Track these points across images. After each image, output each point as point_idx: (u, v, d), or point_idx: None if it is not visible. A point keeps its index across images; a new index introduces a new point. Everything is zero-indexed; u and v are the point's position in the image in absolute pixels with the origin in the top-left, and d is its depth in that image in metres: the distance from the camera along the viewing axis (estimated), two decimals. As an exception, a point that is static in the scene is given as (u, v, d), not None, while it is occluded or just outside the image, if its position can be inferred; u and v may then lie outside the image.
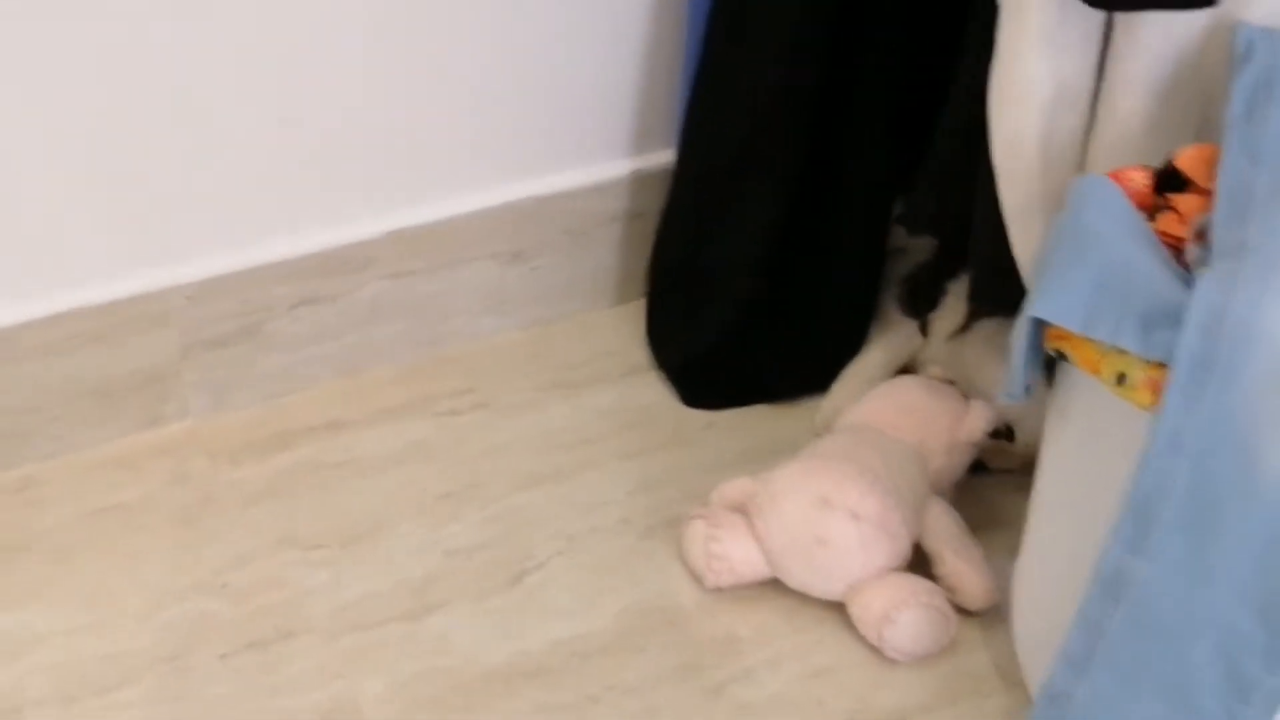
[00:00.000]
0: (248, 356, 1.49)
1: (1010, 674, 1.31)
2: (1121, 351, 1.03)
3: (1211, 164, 1.11)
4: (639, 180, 1.61)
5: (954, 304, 1.58)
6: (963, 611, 1.34)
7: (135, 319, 1.42)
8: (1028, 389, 1.12)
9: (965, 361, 1.54)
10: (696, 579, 1.37)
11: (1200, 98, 1.19)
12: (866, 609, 1.31)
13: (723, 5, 1.44)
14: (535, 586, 1.37)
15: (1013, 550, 1.40)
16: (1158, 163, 1.16)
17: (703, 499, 1.44)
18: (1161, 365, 1.01)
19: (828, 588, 1.33)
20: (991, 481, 1.48)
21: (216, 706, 1.26)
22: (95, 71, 1.30)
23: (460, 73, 1.48)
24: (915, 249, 1.62)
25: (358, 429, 1.51)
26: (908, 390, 1.44)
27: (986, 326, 1.54)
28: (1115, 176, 1.12)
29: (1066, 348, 1.07)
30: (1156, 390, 1.01)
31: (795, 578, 1.34)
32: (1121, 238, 1.05)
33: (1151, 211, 1.12)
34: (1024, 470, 1.48)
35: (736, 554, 1.34)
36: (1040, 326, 1.08)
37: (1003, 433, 1.45)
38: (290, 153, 1.43)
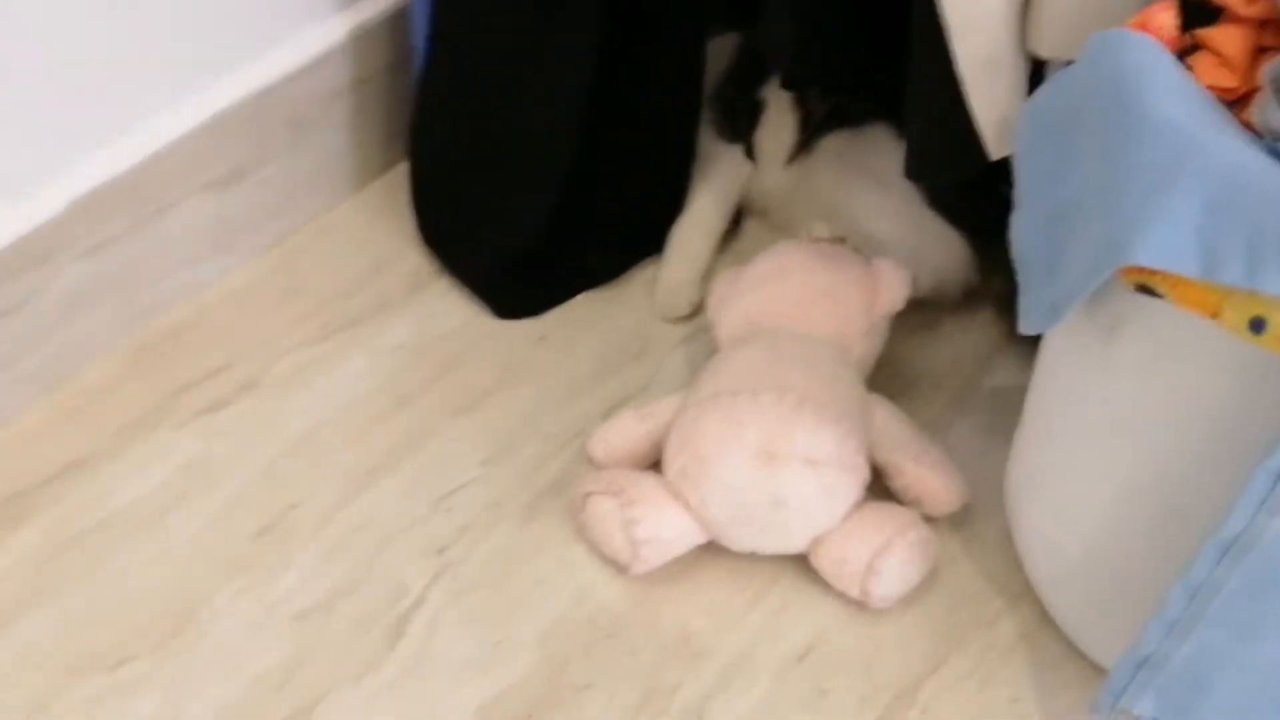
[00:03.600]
0: (-70, 412, 1.10)
1: (1009, 584, 1.10)
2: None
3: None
4: (360, 38, 1.30)
5: (778, 116, 1.31)
6: (928, 518, 1.12)
7: None
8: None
9: (818, 190, 1.29)
10: (610, 559, 1.10)
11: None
12: (842, 564, 1.07)
13: None
14: (422, 636, 1.07)
15: (946, 410, 1.20)
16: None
17: (576, 450, 1.17)
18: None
19: (787, 545, 1.09)
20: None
21: None
22: None
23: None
24: (712, 54, 1.32)
25: (104, 465, 1.15)
26: (800, 268, 1.16)
27: (835, 140, 1.28)
28: (1142, 28, 0.85)
29: (1158, 284, 0.81)
30: (1322, 338, 0.76)
31: (746, 543, 1.08)
32: (1211, 131, 0.78)
33: (1179, 58, 0.86)
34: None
35: (667, 533, 1.08)
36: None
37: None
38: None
